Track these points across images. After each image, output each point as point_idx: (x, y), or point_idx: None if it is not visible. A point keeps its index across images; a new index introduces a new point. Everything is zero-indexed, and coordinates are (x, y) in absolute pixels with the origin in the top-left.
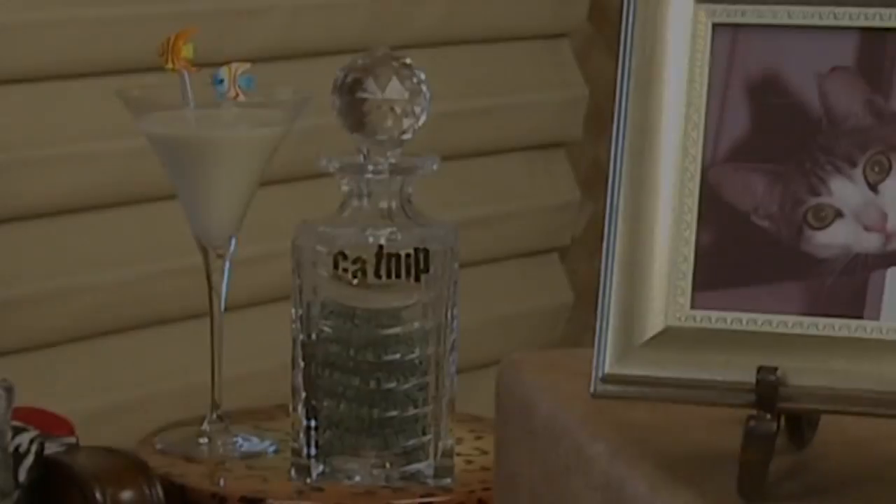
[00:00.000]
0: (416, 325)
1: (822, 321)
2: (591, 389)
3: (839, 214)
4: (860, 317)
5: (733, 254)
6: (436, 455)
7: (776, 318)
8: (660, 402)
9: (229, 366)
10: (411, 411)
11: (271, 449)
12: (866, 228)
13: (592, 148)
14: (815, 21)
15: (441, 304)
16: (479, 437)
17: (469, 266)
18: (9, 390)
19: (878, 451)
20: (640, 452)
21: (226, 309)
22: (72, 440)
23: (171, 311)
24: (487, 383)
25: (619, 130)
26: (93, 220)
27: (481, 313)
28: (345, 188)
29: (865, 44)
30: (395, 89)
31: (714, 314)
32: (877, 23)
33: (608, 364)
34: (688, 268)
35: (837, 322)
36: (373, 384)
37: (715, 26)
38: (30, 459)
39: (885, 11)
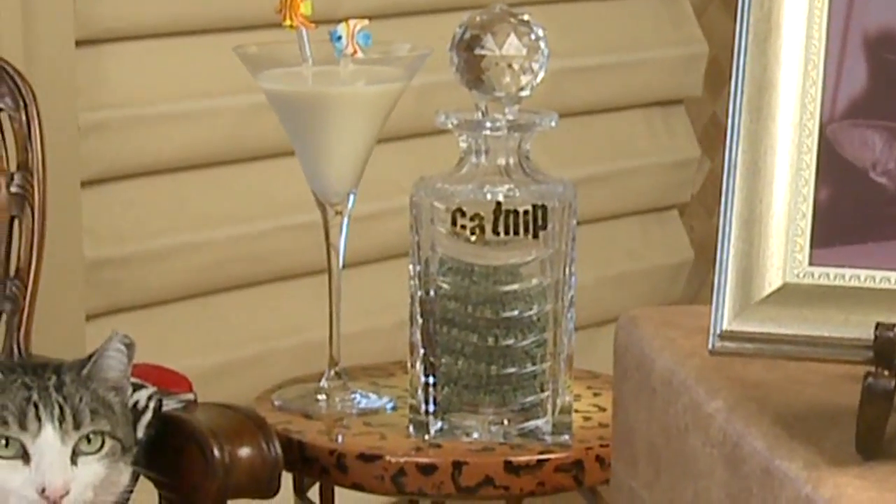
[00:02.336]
0: (535, 281)
1: None
2: (709, 346)
3: None
4: None
5: (851, 210)
6: (553, 411)
7: (895, 275)
8: (777, 359)
9: (347, 322)
10: (529, 368)
11: (389, 405)
12: None
13: (711, 104)
14: None
15: (559, 260)
16: (596, 394)
17: (588, 223)
18: (129, 346)
19: None
20: (757, 409)
21: (344, 265)
22: (190, 397)
23: (290, 267)
24: (605, 340)
25: (738, 87)
26: (211, 176)
27: (600, 270)
28: (463, 145)
29: None
30: (513, 45)
31: (832, 271)
32: None
33: (726, 321)
34: (806, 224)
35: None
36: (491, 341)
37: None
38: (148, 416)
39: None
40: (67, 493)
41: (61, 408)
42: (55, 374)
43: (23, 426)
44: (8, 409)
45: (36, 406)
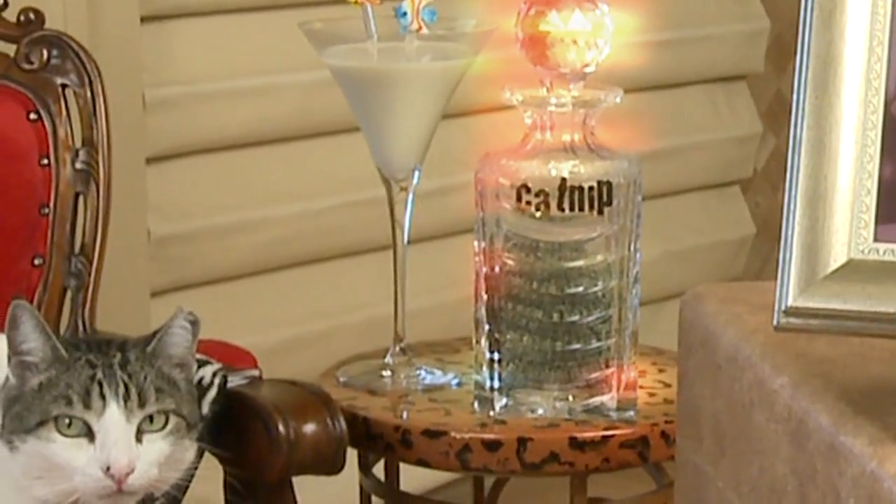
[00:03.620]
0: (599, 257)
1: None
2: (774, 322)
3: None
4: None
5: None
6: (618, 388)
7: None
8: (842, 335)
9: (412, 298)
10: (594, 344)
11: (454, 382)
12: None
13: (775, 80)
14: None
15: (624, 236)
16: (661, 370)
17: (651, 199)
18: (194, 323)
19: None
20: (822, 385)
21: (409, 241)
22: (255, 373)
23: (355, 243)
24: (670, 316)
25: (802, 63)
26: (276, 152)
27: (664, 246)
28: (528, 121)
29: None
30: (578, 22)
31: None
32: None
33: (791, 297)
34: (871, 200)
35: None
36: (556, 317)
37: None
38: (213, 392)
39: None
40: (132, 471)
41: (126, 386)
42: (120, 351)
43: (87, 405)
44: (73, 388)
45: (100, 384)
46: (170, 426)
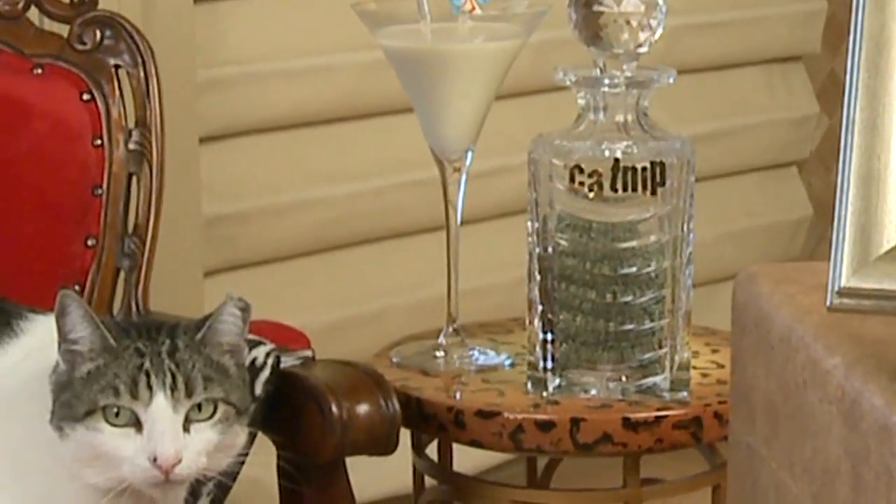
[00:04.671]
0: (653, 238)
1: None
2: (828, 303)
3: None
4: None
5: None
6: (672, 368)
7: None
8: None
9: (465, 279)
10: (647, 324)
11: (507, 362)
12: None
13: (830, 61)
14: None
15: (677, 217)
16: (714, 351)
17: (706, 180)
18: (244, 309)
19: None
20: (875, 366)
21: (462, 222)
22: (308, 353)
23: (408, 224)
24: (723, 296)
25: (855, 44)
26: (329, 133)
27: (718, 227)
28: (581, 101)
29: None
30: (631, 2)
31: None
32: None
33: (844, 277)
34: None
35: None
36: (609, 297)
37: None
38: (266, 373)
39: None
40: (179, 461)
41: (173, 375)
42: (169, 337)
43: (134, 395)
44: (120, 378)
45: (148, 374)
46: (218, 414)
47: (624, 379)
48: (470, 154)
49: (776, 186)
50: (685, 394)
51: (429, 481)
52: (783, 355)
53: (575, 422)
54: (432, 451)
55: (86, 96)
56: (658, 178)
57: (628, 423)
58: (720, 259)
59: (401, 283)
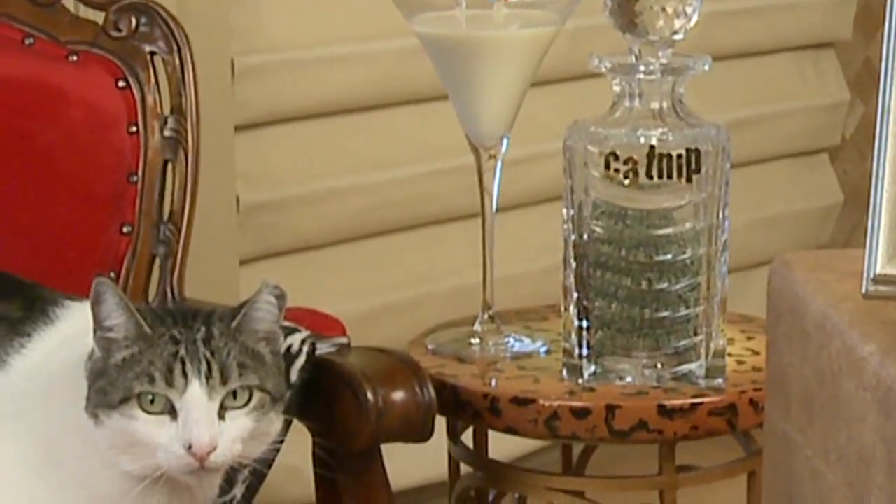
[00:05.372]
0: (688, 225)
1: None
2: (863, 290)
3: None
4: None
5: None
6: (707, 355)
7: None
8: None
9: (501, 266)
10: (683, 311)
11: (542, 349)
12: None
13: (863, 48)
14: None
15: (712, 204)
16: (750, 338)
17: (739, 166)
18: (280, 297)
19: None
20: None
21: (497, 209)
22: (343, 340)
23: (443, 211)
24: (757, 283)
25: (891, 31)
26: (365, 120)
27: (751, 213)
28: (616, 88)
29: None
30: None
31: None
32: None
33: (879, 264)
34: None
35: None
36: (644, 284)
37: None
38: (301, 360)
39: None
40: (214, 448)
41: (209, 363)
42: (204, 325)
43: (169, 383)
44: (155, 365)
45: (183, 362)
46: (253, 402)
47: (659, 366)
48: (505, 141)
49: (807, 173)
50: (720, 381)
51: (464, 468)
52: (818, 342)
53: (610, 409)
54: (467, 438)
55: (121, 83)
56: (693, 166)
57: (664, 410)
58: (751, 245)
59: (436, 271)
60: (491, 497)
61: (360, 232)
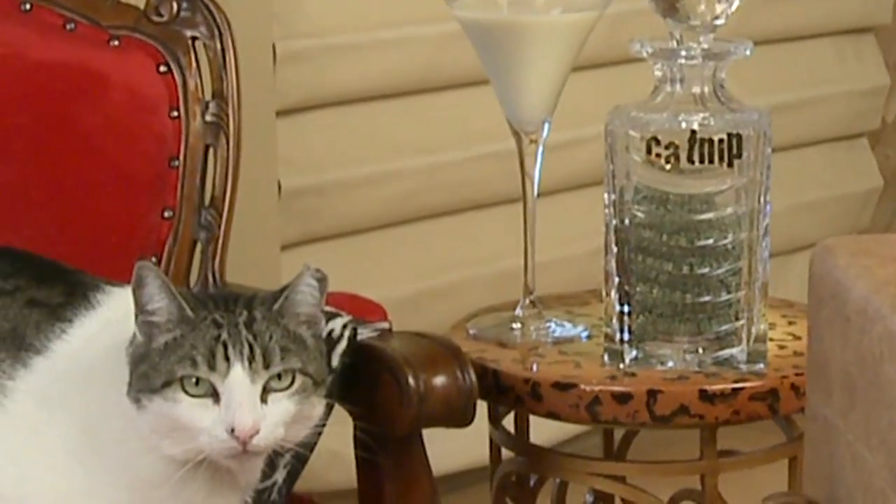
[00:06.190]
0: (730, 210)
1: None
2: None
3: None
4: None
5: None
6: (748, 340)
7: None
8: None
9: (542, 251)
10: (724, 296)
11: (584, 334)
12: None
13: None
14: None
15: (754, 188)
16: (791, 322)
17: (779, 151)
18: (321, 280)
19: None
20: None
21: (538, 194)
22: (385, 325)
23: (484, 196)
24: (799, 268)
25: None
26: (406, 105)
27: (789, 198)
28: (658, 73)
29: None
30: None
31: None
32: None
33: None
34: None
35: None
36: (686, 269)
37: None
38: (343, 344)
39: None
40: (257, 432)
41: (251, 347)
42: (246, 309)
43: (212, 367)
44: (198, 349)
45: (225, 346)
46: (296, 385)
47: (700, 351)
48: (546, 126)
49: (847, 158)
50: (762, 365)
51: (505, 453)
52: (860, 327)
53: (651, 394)
54: (509, 422)
55: (162, 68)
56: (735, 150)
57: (705, 395)
58: (791, 230)
59: (478, 255)
60: (532, 482)
61: (401, 217)
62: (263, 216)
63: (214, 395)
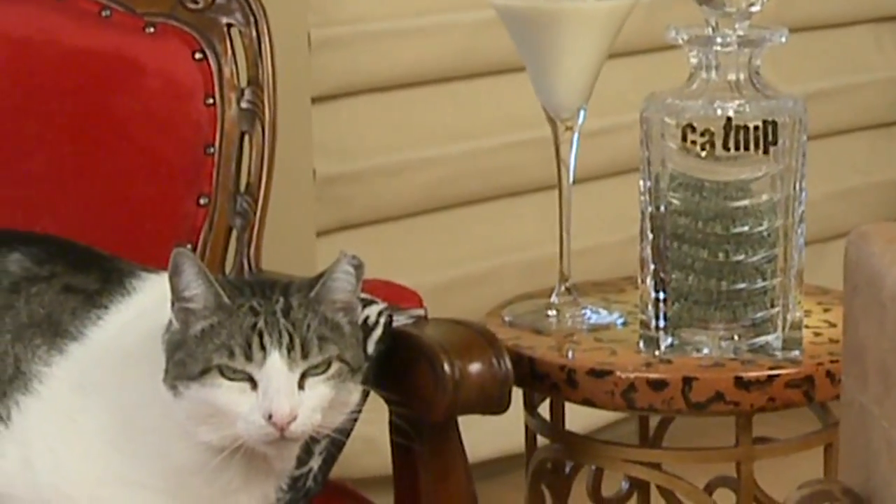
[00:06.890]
0: (765, 197)
1: None
2: None
3: None
4: None
5: None
6: (784, 327)
7: None
8: None
9: (577, 238)
10: (760, 283)
11: (619, 321)
12: None
13: None
14: None
15: (789, 176)
16: (826, 310)
17: (816, 138)
18: (358, 267)
19: None
20: None
21: (574, 181)
22: (420, 312)
23: (520, 183)
24: (834, 255)
25: None
26: (441, 92)
27: (826, 185)
28: (693, 60)
29: None
30: None
31: None
32: None
33: None
34: None
35: None
36: (721, 256)
37: None
38: (378, 331)
39: None
40: (295, 418)
41: (290, 335)
42: (283, 295)
43: (248, 357)
44: (234, 339)
45: (261, 334)
46: (332, 370)
47: (736, 338)
48: (582, 113)
49: (884, 145)
50: (797, 353)
51: (541, 440)
52: (895, 314)
53: (687, 381)
54: (544, 409)
55: (198, 55)
56: (770, 137)
57: (740, 382)
58: (828, 217)
59: (513, 242)
60: (567, 469)
61: (436, 203)
62: (299, 203)
63: (252, 381)
